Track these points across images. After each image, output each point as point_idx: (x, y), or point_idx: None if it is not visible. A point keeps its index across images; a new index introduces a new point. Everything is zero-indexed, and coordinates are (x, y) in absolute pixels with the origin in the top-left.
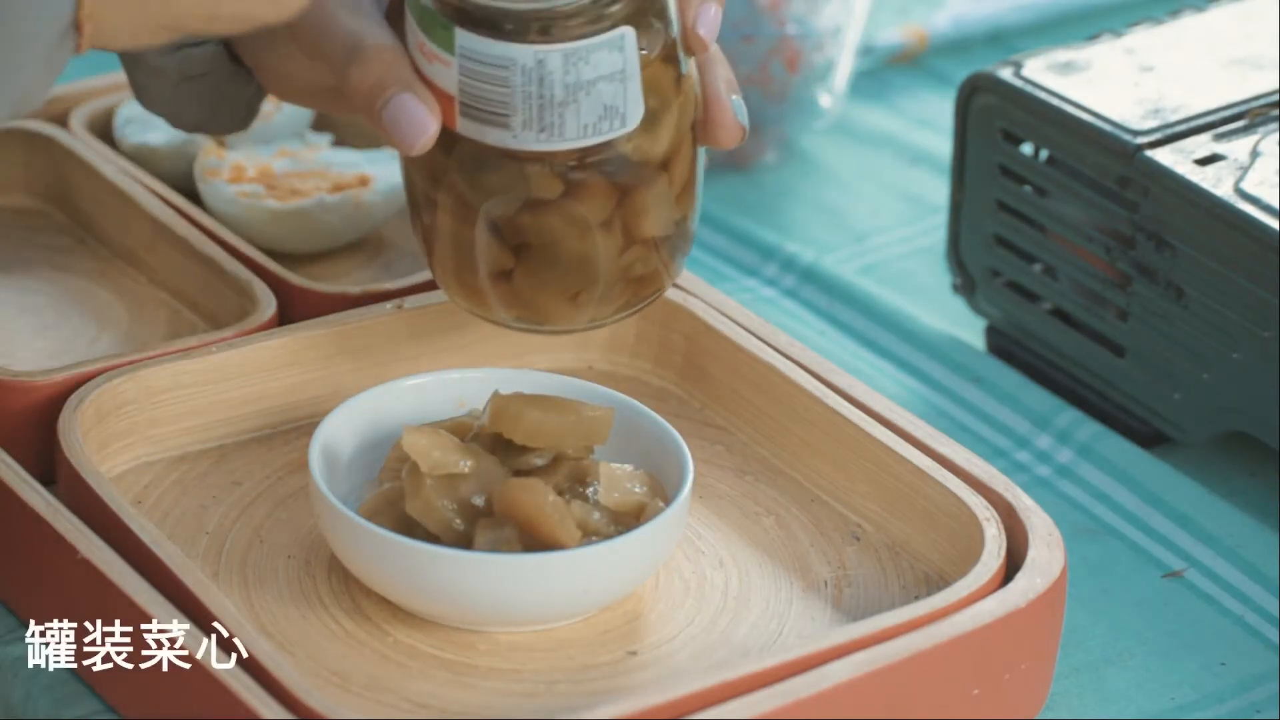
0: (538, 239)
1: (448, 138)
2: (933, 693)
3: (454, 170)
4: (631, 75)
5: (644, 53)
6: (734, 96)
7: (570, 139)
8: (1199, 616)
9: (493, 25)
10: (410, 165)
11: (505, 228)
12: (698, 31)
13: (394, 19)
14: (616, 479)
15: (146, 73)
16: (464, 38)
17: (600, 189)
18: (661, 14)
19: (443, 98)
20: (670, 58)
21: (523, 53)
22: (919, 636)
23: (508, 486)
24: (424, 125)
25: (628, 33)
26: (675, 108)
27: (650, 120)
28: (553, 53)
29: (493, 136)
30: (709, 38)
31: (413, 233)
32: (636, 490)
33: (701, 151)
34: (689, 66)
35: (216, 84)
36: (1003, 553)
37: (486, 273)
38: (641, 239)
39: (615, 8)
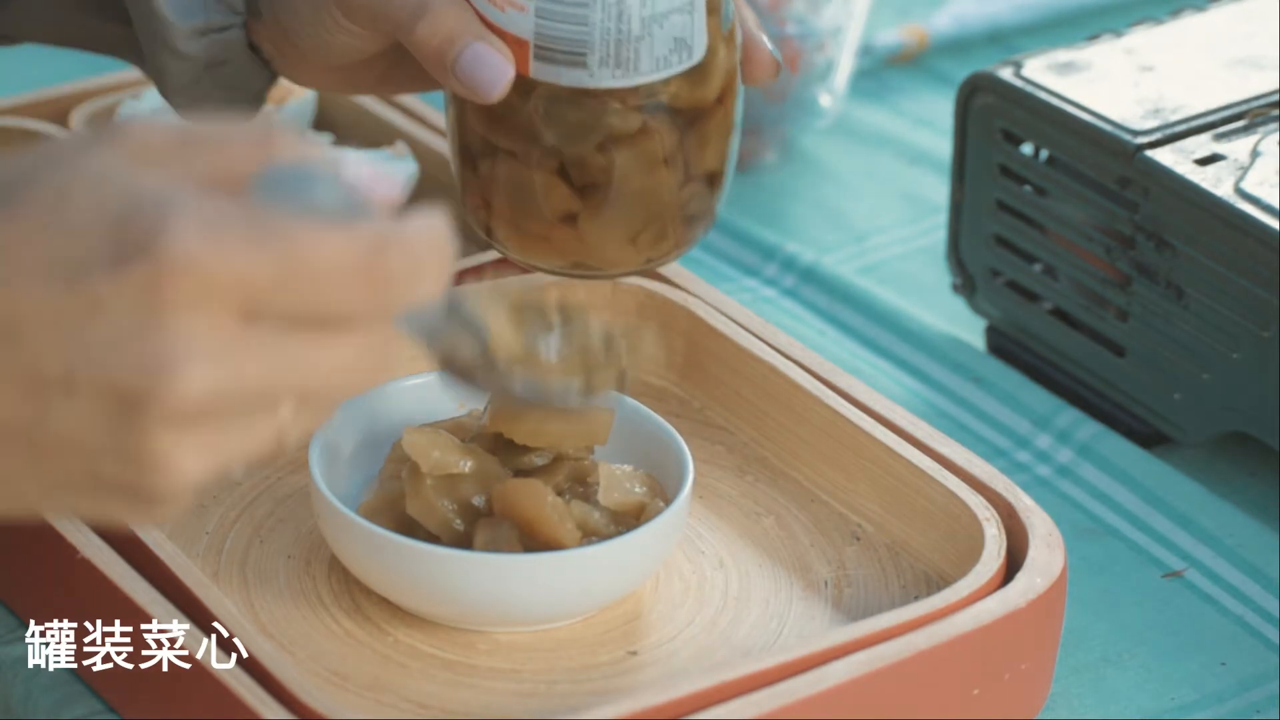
0: (607, 177)
1: (520, 83)
2: (933, 693)
3: (526, 114)
4: (699, 5)
5: None
6: (763, 35)
7: (645, 73)
8: (1199, 616)
9: None
10: (473, 116)
11: (576, 168)
12: None
13: None
14: (616, 479)
15: (171, 57)
16: None
17: (667, 125)
18: None
19: (514, 43)
20: None
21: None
22: (919, 636)
23: (507, 487)
24: (502, 71)
25: None
26: (726, 44)
27: (709, 55)
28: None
29: (568, 77)
30: None
31: (459, 188)
32: (636, 490)
33: (742, 90)
34: (732, 6)
35: (236, 72)
36: (1003, 553)
37: (551, 217)
38: (701, 174)
39: None
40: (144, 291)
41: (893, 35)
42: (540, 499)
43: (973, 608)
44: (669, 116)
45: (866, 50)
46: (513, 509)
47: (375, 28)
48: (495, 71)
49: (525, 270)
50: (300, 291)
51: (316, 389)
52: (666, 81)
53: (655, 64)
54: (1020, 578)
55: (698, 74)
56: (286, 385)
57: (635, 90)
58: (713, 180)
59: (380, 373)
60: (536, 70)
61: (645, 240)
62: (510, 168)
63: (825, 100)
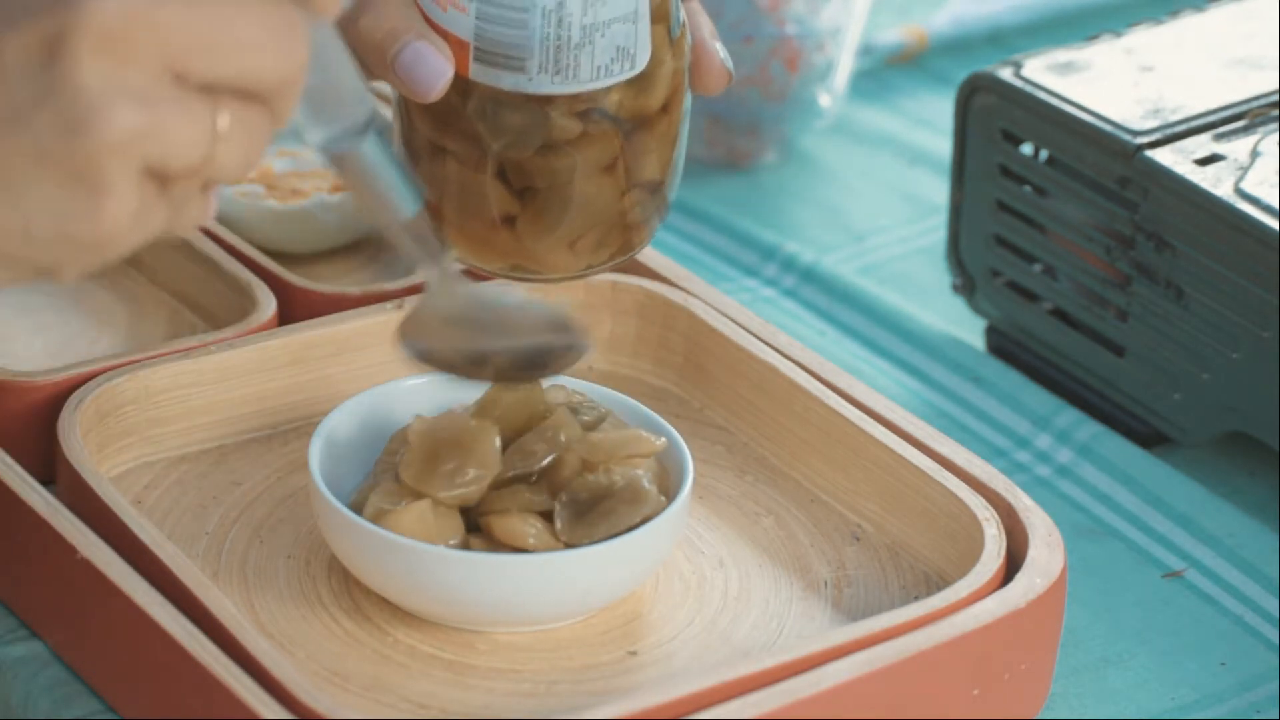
0: (546, 181)
1: (460, 84)
2: (933, 693)
3: (466, 115)
4: (643, 15)
5: None
6: (717, 44)
7: (584, 81)
8: (1199, 616)
9: None
10: (416, 113)
11: (514, 171)
12: None
13: None
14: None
15: None
16: None
17: (608, 132)
18: None
19: (455, 44)
20: (665, 4)
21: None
22: (919, 636)
23: (493, 526)
24: (441, 70)
25: None
26: (673, 53)
27: (654, 64)
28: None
29: (507, 81)
30: None
31: None
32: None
33: (689, 99)
34: (682, 14)
35: None
36: (1003, 553)
37: (491, 218)
38: (641, 182)
39: None
40: None
41: (893, 35)
42: (522, 540)
43: (973, 608)
44: (611, 124)
45: (866, 50)
46: (499, 544)
47: None
48: (434, 71)
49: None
50: None
51: (230, 54)
52: (608, 90)
53: (596, 72)
54: (1020, 578)
55: (641, 83)
56: (200, 35)
57: (575, 97)
58: (655, 189)
59: (289, 44)
60: (476, 72)
61: (584, 246)
62: (452, 167)
63: (825, 100)
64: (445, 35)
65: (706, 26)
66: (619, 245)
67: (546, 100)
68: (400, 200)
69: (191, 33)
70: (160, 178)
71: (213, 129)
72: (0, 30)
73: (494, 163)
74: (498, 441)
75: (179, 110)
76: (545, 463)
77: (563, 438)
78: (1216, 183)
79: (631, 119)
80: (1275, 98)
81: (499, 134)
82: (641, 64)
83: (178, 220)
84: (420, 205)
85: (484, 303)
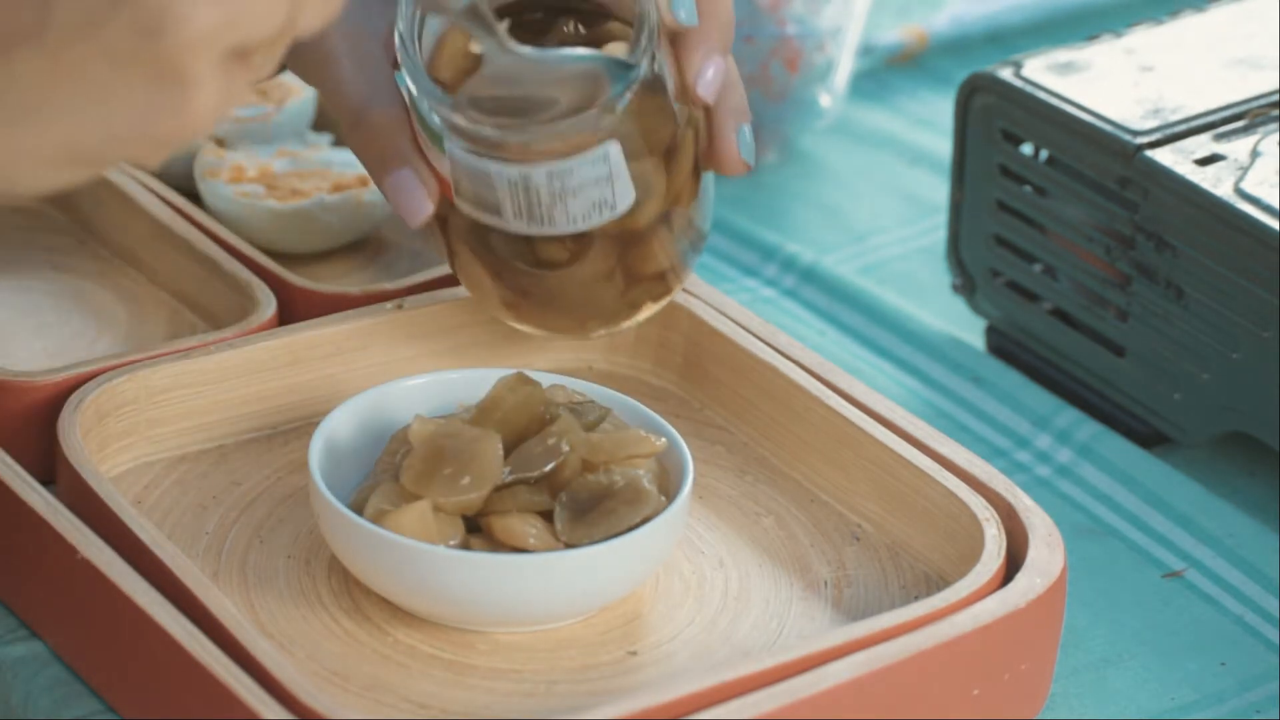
0: (540, 291)
1: (448, 202)
2: (933, 693)
3: (461, 226)
4: (619, 175)
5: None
6: (742, 125)
7: (561, 228)
8: (1199, 616)
9: (477, 141)
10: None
11: (509, 277)
12: (698, 93)
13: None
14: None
15: None
16: (452, 146)
17: (601, 250)
18: (655, 87)
19: (439, 174)
20: (664, 111)
21: (507, 169)
22: (919, 636)
23: (493, 527)
24: (421, 206)
25: (611, 148)
26: (673, 168)
27: (642, 195)
28: (536, 169)
29: (486, 219)
30: (710, 98)
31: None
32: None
33: (707, 180)
34: (687, 115)
35: None
36: (1003, 553)
37: (495, 302)
38: (648, 274)
39: (600, 123)
40: None
41: (893, 35)
42: (522, 542)
43: (973, 608)
44: (600, 243)
45: (866, 50)
46: (500, 546)
47: (330, 109)
48: (416, 203)
49: None
50: None
51: None
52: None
53: (571, 221)
54: (1020, 578)
55: (630, 212)
56: None
57: (556, 236)
58: (665, 275)
59: None
60: (459, 203)
61: (591, 326)
62: (459, 249)
63: (825, 100)
64: (433, 161)
65: (732, 107)
66: (634, 313)
67: (526, 236)
68: None
69: None
70: (242, 54)
71: None
72: None
73: (490, 267)
74: (500, 449)
75: None
76: (547, 469)
77: (565, 446)
78: (1216, 183)
79: (624, 235)
80: (1275, 98)
81: (487, 250)
82: (624, 206)
83: (258, 80)
84: None
85: (543, 66)
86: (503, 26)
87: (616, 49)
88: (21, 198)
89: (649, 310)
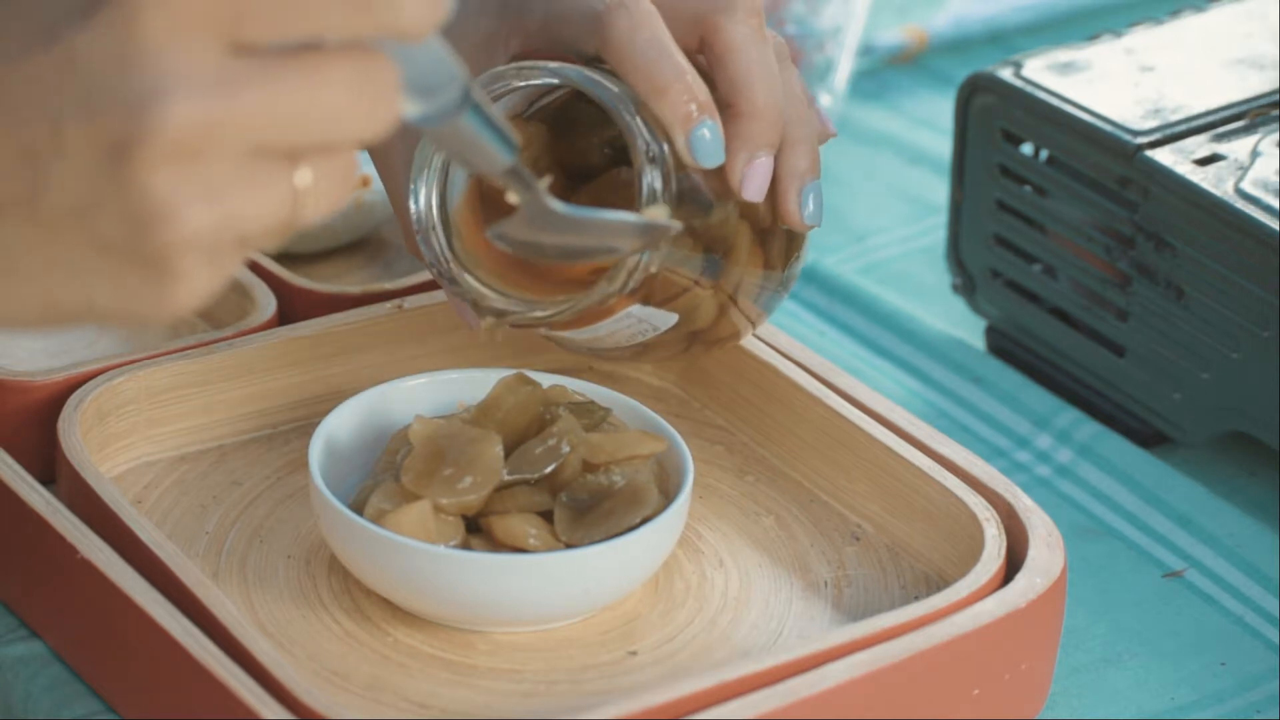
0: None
1: None
2: (933, 693)
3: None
4: (650, 315)
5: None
6: (806, 187)
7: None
8: (1199, 616)
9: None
10: None
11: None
12: (744, 197)
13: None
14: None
15: None
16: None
17: (665, 344)
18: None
19: None
20: (705, 210)
21: (539, 332)
22: (919, 636)
23: (493, 527)
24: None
25: (634, 309)
26: (722, 278)
27: (688, 310)
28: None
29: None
30: (757, 198)
31: None
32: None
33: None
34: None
35: None
36: (1003, 553)
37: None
38: (720, 339)
39: (625, 291)
40: (118, 29)
41: (893, 35)
42: (522, 542)
43: (972, 608)
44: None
45: (866, 50)
46: (500, 546)
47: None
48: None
49: None
50: (281, 10)
51: (314, 126)
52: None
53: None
54: (1020, 578)
55: (678, 323)
56: (281, 120)
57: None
58: (737, 334)
59: (377, 104)
60: None
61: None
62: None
63: (825, 100)
64: None
65: (798, 168)
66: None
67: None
68: (498, 152)
69: (274, 115)
70: (239, 244)
71: (293, 191)
72: (67, 118)
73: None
74: (500, 449)
75: (255, 186)
76: (547, 469)
77: (565, 446)
78: (1216, 183)
79: (683, 333)
80: (1275, 98)
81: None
82: (666, 326)
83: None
84: (515, 151)
85: (576, 221)
86: (543, 184)
87: (657, 212)
88: None
89: (719, 349)
